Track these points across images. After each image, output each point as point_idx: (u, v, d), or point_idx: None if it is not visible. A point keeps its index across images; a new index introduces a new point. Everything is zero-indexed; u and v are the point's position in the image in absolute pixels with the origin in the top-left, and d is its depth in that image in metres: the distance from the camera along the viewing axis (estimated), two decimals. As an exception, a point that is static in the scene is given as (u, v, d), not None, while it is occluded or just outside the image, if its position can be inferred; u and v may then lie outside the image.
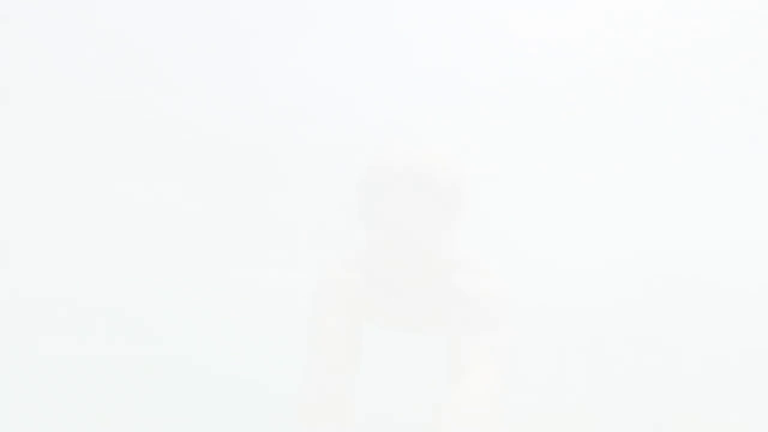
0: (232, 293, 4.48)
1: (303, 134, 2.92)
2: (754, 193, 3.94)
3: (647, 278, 4.67)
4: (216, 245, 4.05)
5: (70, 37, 2.53)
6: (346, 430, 1.01)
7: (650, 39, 2.60)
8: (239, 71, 2.67)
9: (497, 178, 3.54)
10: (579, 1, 2.47)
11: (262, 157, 3.25)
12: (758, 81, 2.79)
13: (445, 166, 1.06)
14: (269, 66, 2.53)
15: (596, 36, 2.59)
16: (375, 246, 1.14)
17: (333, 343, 1.11)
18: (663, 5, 2.52)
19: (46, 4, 2.35)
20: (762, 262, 4.03)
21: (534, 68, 2.74)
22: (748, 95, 2.88)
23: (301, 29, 2.47)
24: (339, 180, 3.26)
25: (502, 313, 1.13)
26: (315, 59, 2.51)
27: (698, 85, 2.82)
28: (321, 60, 2.54)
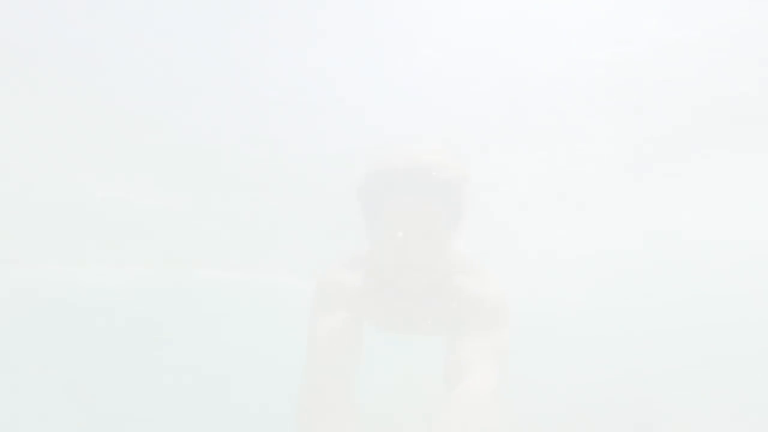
0: (232, 293, 4.47)
1: (304, 135, 2.92)
2: (750, 193, 3.92)
3: (644, 281, 4.65)
4: (216, 246, 4.04)
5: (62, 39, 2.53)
6: (345, 428, 1.00)
7: (641, 44, 2.62)
8: (243, 73, 2.66)
9: (497, 181, 3.54)
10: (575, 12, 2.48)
11: (263, 158, 3.24)
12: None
13: (447, 166, 1.05)
14: (272, 67, 2.53)
15: (590, 42, 2.60)
16: (376, 247, 1.14)
17: (332, 343, 1.10)
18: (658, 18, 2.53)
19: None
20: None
21: (532, 75, 2.74)
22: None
23: (303, 30, 2.47)
24: (341, 181, 3.25)
25: (501, 314, 1.14)
26: (317, 62, 2.51)
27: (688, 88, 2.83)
28: (323, 63, 2.54)
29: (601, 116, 2.98)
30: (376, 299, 1.20)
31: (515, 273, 4.09)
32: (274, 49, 2.45)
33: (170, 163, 3.27)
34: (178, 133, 3.07)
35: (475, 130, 2.99)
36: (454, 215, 1.11)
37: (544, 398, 2.79)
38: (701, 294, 4.85)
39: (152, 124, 2.92)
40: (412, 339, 1.35)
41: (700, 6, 2.37)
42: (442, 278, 1.17)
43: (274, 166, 3.20)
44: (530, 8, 2.41)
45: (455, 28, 2.48)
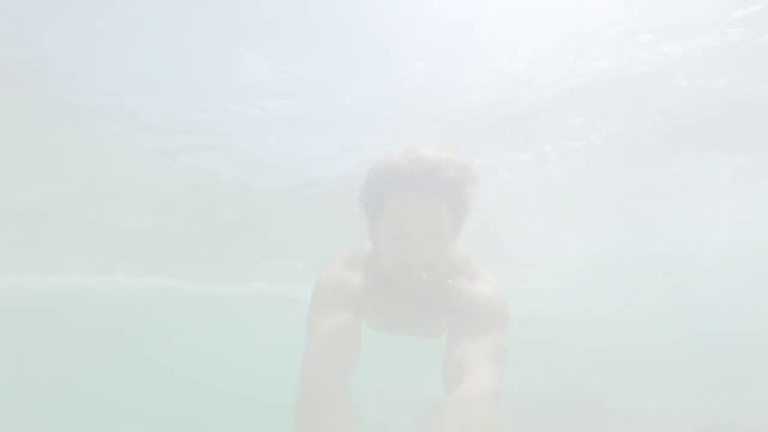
0: (231, 293, 4.47)
1: (305, 135, 2.92)
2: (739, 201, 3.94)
3: (641, 283, 4.65)
4: (215, 247, 4.04)
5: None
6: (343, 427, 0.99)
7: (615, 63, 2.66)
8: (244, 76, 2.67)
9: (497, 185, 3.54)
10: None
11: (263, 159, 3.23)
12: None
13: (452, 165, 1.04)
14: (271, 69, 2.53)
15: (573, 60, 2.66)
16: (377, 246, 1.13)
17: (331, 341, 1.09)
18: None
19: None
20: None
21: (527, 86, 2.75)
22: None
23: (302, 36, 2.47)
24: (343, 181, 3.25)
25: (501, 315, 1.13)
26: (318, 64, 2.52)
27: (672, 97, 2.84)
28: (324, 65, 2.54)
29: (595, 120, 2.99)
30: (375, 299, 1.19)
31: (516, 276, 4.10)
32: (273, 48, 2.45)
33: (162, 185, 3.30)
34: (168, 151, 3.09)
35: (476, 137, 3.01)
36: (457, 215, 1.10)
37: (542, 398, 2.79)
38: (685, 298, 4.85)
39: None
40: (411, 339, 1.34)
41: (695, 20, 2.39)
42: (443, 278, 1.16)
43: (273, 162, 3.21)
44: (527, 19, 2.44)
45: (447, 39, 2.49)
